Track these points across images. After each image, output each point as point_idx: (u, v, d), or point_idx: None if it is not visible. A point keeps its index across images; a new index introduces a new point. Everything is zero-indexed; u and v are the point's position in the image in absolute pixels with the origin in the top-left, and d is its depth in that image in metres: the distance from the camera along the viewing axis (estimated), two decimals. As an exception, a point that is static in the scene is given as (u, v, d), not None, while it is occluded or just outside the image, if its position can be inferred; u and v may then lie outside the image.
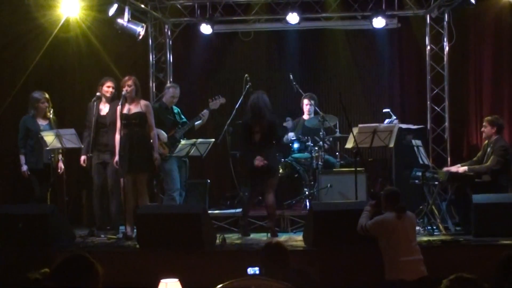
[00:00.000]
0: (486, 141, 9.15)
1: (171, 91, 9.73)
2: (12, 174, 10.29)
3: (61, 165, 9.25)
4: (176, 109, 9.82)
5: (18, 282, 3.49)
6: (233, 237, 8.75)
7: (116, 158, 8.69)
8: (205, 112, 9.68)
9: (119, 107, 8.67)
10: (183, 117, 9.86)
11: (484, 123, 9.18)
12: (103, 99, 9.14)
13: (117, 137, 8.70)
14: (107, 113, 9.08)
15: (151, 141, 8.80)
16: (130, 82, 8.72)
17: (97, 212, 9.21)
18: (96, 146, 9.02)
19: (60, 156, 9.25)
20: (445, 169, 9.23)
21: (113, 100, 9.11)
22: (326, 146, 10.23)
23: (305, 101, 10.63)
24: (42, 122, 9.26)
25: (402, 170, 9.84)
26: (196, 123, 9.71)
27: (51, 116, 9.32)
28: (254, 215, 9.43)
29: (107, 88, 9.09)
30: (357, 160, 8.73)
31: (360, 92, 11.97)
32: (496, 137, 8.97)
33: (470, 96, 11.32)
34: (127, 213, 8.70)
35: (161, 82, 11.46)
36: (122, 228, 9.02)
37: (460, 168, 8.99)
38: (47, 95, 9.32)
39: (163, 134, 9.38)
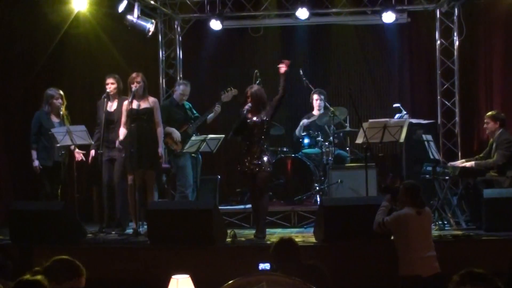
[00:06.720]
0: (491, 139, 9.02)
1: (182, 88, 9.72)
2: (22, 170, 10.32)
3: (78, 154, 9.16)
4: (187, 105, 9.82)
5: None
6: (244, 233, 8.76)
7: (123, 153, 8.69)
8: (218, 106, 9.67)
9: (125, 103, 8.66)
10: (194, 111, 9.86)
11: (486, 120, 9.08)
12: (111, 96, 9.14)
13: (122, 131, 8.65)
14: (114, 110, 9.06)
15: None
16: (139, 79, 8.68)
17: (106, 209, 9.25)
18: (104, 143, 8.98)
19: (73, 147, 9.13)
20: (450, 164, 9.19)
21: (120, 96, 9.10)
22: (336, 141, 10.22)
23: (315, 96, 10.62)
24: (55, 120, 9.19)
25: (413, 165, 9.82)
26: (209, 116, 9.70)
27: (61, 112, 9.25)
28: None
29: (107, 85, 9.07)
30: (367, 155, 8.73)
31: (370, 87, 11.96)
32: (499, 131, 8.89)
33: (480, 90, 11.26)
34: (135, 210, 8.70)
35: (171, 78, 11.48)
36: (132, 224, 9.02)
37: (467, 164, 8.94)
38: (61, 92, 9.23)
39: (176, 133, 9.38)
